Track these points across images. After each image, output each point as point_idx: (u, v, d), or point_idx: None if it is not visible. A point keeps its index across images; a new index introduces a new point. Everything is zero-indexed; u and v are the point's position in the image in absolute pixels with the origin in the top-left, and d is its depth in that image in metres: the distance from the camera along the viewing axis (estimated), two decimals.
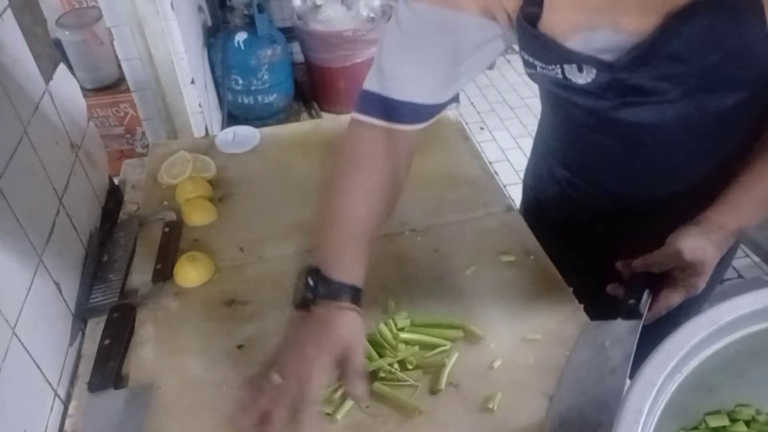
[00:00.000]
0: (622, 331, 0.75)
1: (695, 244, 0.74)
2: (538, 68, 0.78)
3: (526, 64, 0.80)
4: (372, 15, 2.91)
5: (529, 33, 0.74)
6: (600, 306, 0.84)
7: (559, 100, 0.87)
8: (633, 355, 0.71)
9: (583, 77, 0.74)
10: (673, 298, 0.76)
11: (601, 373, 0.72)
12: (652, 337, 0.59)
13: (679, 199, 0.83)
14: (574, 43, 0.72)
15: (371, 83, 0.78)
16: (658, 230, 0.77)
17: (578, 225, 1.00)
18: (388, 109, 0.77)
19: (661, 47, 0.68)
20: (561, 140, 0.98)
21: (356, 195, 0.77)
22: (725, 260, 0.97)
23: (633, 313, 0.75)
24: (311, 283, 0.72)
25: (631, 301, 0.76)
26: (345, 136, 0.81)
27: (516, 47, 0.80)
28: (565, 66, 0.74)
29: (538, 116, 1.04)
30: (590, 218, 0.98)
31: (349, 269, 0.73)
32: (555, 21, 0.72)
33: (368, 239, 0.76)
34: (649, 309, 0.76)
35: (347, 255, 0.74)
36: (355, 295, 0.73)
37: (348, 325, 0.70)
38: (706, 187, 0.79)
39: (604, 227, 0.95)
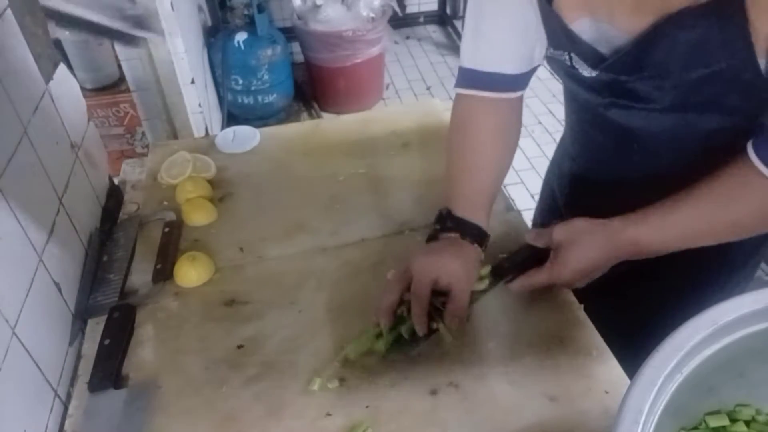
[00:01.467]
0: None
1: (577, 227, 0.78)
2: (550, 50, 0.81)
3: (550, 43, 0.82)
4: (372, 15, 2.91)
5: (545, 8, 0.76)
6: (600, 306, 0.84)
7: (566, 92, 0.91)
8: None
9: (589, 70, 0.76)
10: (534, 277, 0.81)
11: None
12: (652, 336, 0.59)
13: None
14: (577, 27, 0.73)
15: (463, 60, 0.86)
16: None
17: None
18: (485, 81, 0.85)
19: (648, 50, 0.68)
20: (569, 134, 1.00)
21: (478, 155, 0.88)
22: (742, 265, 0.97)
23: (497, 272, 0.85)
24: (441, 218, 0.85)
25: (506, 265, 0.85)
26: (455, 111, 0.91)
27: None
28: (573, 55, 0.77)
29: (539, 116, 1.06)
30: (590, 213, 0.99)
31: (474, 211, 0.85)
32: (565, 2, 0.74)
33: (491, 191, 0.88)
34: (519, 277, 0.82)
35: (473, 200, 0.86)
36: (480, 234, 0.84)
37: (462, 258, 0.80)
38: None
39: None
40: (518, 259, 0.86)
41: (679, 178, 0.74)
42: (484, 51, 0.84)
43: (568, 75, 0.83)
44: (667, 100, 0.73)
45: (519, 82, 0.86)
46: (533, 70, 0.87)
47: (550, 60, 0.83)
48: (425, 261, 0.80)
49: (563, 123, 1.05)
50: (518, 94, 0.88)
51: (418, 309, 0.77)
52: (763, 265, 2.16)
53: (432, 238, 0.86)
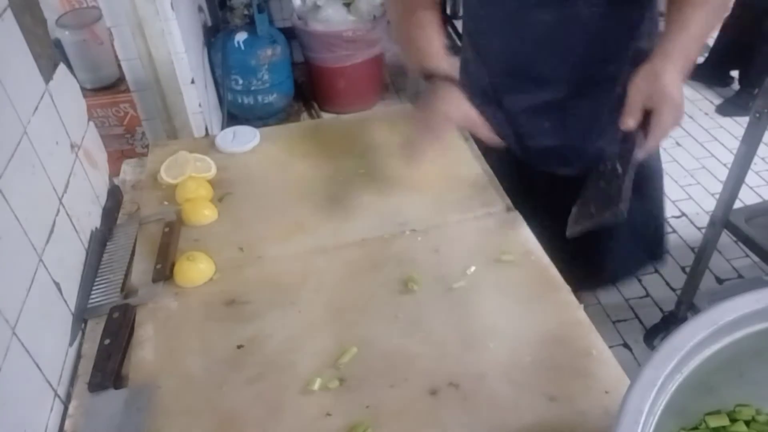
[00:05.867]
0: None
1: (646, 74, 0.88)
2: None
3: None
4: (372, 15, 2.91)
5: None
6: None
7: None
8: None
9: None
10: (663, 117, 0.86)
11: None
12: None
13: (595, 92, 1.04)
14: None
15: None
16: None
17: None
18: None
19: None
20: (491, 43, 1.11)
21: (424, 22, 1.07)
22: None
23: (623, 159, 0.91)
24: (427, 75, 1.00)
25: (625, 146, 0.91)
26: None
27: None
28: None
29: None
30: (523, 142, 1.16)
31: (445, 64, 1.01)
32: None
33: (443, 44, 1.05)
34: (649, 137, 0.88)
35: (442, 54, 1.03)
36: (454, 80, 1.00)
37: (455, 95, 0.98)
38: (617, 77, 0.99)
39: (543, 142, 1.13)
40: (627, 147, 0.91)
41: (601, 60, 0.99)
42: None
43: None
44: None
45: None
46: None
47: None
48: (444, 97, 0.96)
49: None
50: None
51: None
52: (763, 265, 2.17)
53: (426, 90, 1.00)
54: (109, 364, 0.81)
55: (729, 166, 1.54)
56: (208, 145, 1.25)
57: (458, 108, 0.97)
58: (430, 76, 1.00)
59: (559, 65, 1.03)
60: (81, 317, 0.90)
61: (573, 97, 1.05)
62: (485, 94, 1.12)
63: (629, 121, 0.88)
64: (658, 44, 0.91)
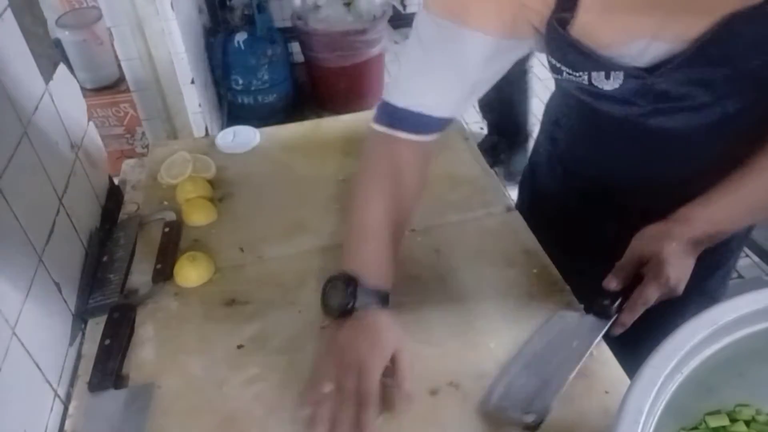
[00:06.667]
0: (588, 327, 0.78)
1: (650, 236, 0.75)
2: (564, 74, 0.77)
3: (553, 69, 0.79)
4: (372, 15, 2.91)
5: (562, 39, 0.72)
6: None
7: (582, 104, 0.86)
8: (589, 351, 0.75)
9: (610, 83, 0.73)
10: (646, 292, 0.74)
11: (554, 358, 0.76)
12: (652, 337, 0.58)
13: (688, 200, 0.81)
14: (608, 49, 0.70)
15: (386, 92, 0.83)
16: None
17: (576, 223, 1.00)
18: (395, 117, 0.81)
19: (702, 53, 0.66)
20: (570, 139, 0.97)
21: (378, 205, 0.82)
22: (724, 260, 0.97)
23: (603, 313, 0.77)
24: (349, 292, 0.76)
25: (605, 302, 0.77)
26: (364, 146, 0.87)
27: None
28: (593, 73, 0.74)
29: (538, 116, 1.04)
30: (594, 219, 0.98)
31: (383, 277, 0.80)
32: (589, 26, 0.70)
33: (395, 245, 0.82)
34: (625, 308, 0.76)
35: (379, 264, 0.80)
36: (386, 299, 0.80)
37: (394, 328, 0.76)
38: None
39: (611, 229, 0.94)
40: (612, 294, 0.78)
41: (710, 171, 0.74)
42: (419, 90, 0.80)
43: (586, 92, 0.80)
44: (711, 93, 0.71)
45: (443, 124, 0.83)
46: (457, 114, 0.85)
47: (560, 81, 0.80)
48: (368, 348, 0.72)
49: None
50: (436, 136, 0.84)
51: (368, 410, 0.68)
52: (763, 265, 2.17)
53: (345, 313, 0.76)
54: (109, 364, 0.81)
55: None
56: (208, 145, 1.25)
57: (384, 348, 0.72)
58: (366, 302, 0.76)
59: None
60: (81, 317, 0.90)
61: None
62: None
63: (612, 283, 0.77)
64: (692, 202, 0.75)
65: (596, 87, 0.75)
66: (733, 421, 0.63)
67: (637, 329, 0.78)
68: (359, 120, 1.34)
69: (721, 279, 1.01)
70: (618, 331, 0.77)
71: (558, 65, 0.77)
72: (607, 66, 0.72)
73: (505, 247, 0.97)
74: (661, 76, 0.70)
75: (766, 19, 0.62)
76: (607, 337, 0.82)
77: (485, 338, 0.83)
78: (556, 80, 0.82)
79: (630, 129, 0.81)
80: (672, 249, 0.73)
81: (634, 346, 0.69)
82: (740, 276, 2.18)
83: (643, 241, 0.76)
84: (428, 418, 0.74)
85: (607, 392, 0.75)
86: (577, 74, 0.75)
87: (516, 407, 0.71)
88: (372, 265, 0.80)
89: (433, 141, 0.84)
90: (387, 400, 0.72)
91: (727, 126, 0.76)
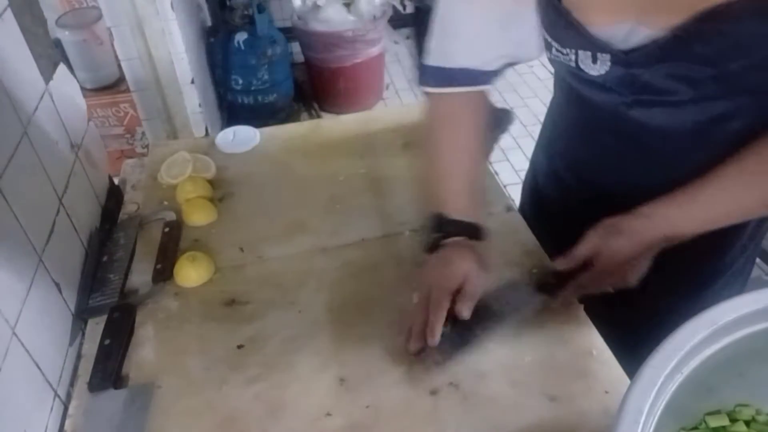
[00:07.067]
0: (526, 298, 0.85)
1: (605, 227, 0.77)
2: (553, 50, 0.79)
3: (546, 45, 0.81)
4: (372, 15, 2.91)
5: (551, 6, 0.74)
6: (601, 307, 0.84)
7: (572, 93, 0.87)
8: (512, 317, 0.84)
9: (597, 68, 0.74)
10: (583, 279, 0.78)
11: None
12: (652, 336, 0.58)
13: None
14: (594, 27, 0.71)
15: (427, 57, 0.86)
16: None
17: (577, 225, 0.99)
18: (444, 77, 0.86)
19: (682, 46, 0.66)
20: (566, 138, 0.98)
21: (451, 148, 0.88)
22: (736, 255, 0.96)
23: (545, 289, 0.84)
24: (433, 228, 0.84)
25: (552, 280, 0.83)
26: (431, 110, 0.91)
27: None
28: (580, 53, 0.75)
29: (540, 116, 1.04)
30: (589, 218, 0.97)
31: (470, 210, 0.85)
32: (578, 1, 0.72)
33: (478, 185, 0.88)
34: (565, 287, 0.81)
35: (467, 199, 0.86)
36: (480, 232, 0.85)
37: (467, 257, 0.81)
38: None
39: None
40: (558, 276, 0.82)
41: (697, 171, 0.74)
42: (457, 47, 0.84)
43: (574, 77, 0.81)
44: (693, 91, 0.71)
45: (492, 76, 0.87)
46: (508, 65, 0.88)
47: (552, 61, 0.82)
48: (441, 275, 0.80)
49: None
50: (489, 86, 0.89)
51: (436, 318, 0.77)
52: (763, 265, 2.17)
53: (434, 246, 0.84)
54: (109, 364, 0.81)
55: None
56: (208, 145, 1.25)
57: (453, 274, 0.79)
58: (440, 228, 0.84)
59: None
60: (81, 317, 0.90)
61: None
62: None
63: (561, 263, 0.80)
64: (656, 200, 0.75)
65: (583, 71, 0.76)
66: (733, 421, 0.62)
67: (637, 329, 0.78)
68: (359, 120, 1.35)
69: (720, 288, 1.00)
70: (557, 304, 0.83)
71: (549, 39, 0.79)
72: (593, 45, 0.72)
73: (505, 247, 0.97)
74: (640, 60, 0.70)
75: (750, 19, 0.61)
76: (607, 337, 0.82)
77: (485, 338, 0.83)
78: (550, 61, 0.83)
79: (613, 122, 0.81)
80: (621, 243, 0.75)
81: (634, 346, 0.69)
82: None
83: (598, 232, 0.77)
84: (428, 418, 0.74)
85: (607, 392, 0.75)
86: (565, 51, 0.77)
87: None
88: (454, 200, 0.85)
89: (487, 90, 0.89)
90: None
91: (713, 132, 0.75)
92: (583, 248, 0.78)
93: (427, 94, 0.89)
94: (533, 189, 1.12)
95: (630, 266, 0.76)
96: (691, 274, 0.92)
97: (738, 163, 0.72)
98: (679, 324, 0.55)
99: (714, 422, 0.62)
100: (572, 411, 0.74)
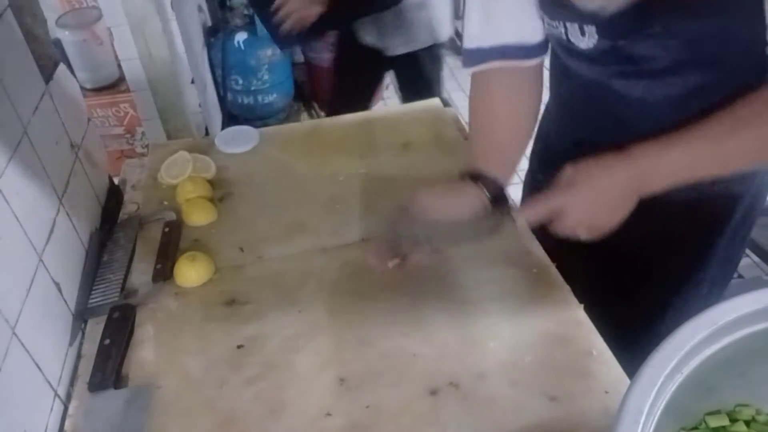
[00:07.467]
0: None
1: (576, 168, 0.76)
2: (545, 23, 0.81)
3: (540, 18, 0.83)
4: None
5: None
6: (601, 307, 0.84)
7: (562, 73, 0.90)
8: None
9: (585, 42, 0.77)
10: (549, 194, 0.77)
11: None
12: (652, 336, 0.59)
13: None
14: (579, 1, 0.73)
15: (467, 40, 0.88)
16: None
17: None
18: (488, 56, 0.87)
19: (651, 10, 0.68)
20: (558, 124, 1.00)
21: (501, 129, 0.91)
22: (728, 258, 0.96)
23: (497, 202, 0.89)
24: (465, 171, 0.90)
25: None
26: (473, 89, 0.93)
27: None
28: (568, 25, 0.77)
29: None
30: None
31: (493, 166, 0.89)
32: None
33: (511, 156, 0.93)
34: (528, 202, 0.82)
35: (495, 159, 0.91)
36: (494, 183, 0.88)
37: (463, 197, 0.87)
38: None
39: None
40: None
41: None
42: (496, 26, 0.85)
43: (565, 50, 0.84)
44: (669, 58, 0.72)
45: (535, 50, 0.87)
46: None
47: (549, 37, 0.85)
48: (428, 200, 0.87)
49: None
50: (536, 61, 0.88)
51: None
52: (763, 265, 2.17)
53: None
54: (109, 364, 0.81)
55: None
56: (208, 145, 1.25)
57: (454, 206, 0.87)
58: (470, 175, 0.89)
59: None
60: (81, 317, 0.90)
61: None
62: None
63: (526, 212, 0.80)
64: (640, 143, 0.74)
65: (572, 44, 0.78)
66: (733, 421, 0.62)
67: (637, 329, 0.78)
68: (359, 120, 1.35)
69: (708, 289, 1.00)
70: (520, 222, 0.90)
71: (540, 12, 0.81)
72: (578, 17, 0.74)
73: (505, 247, 0.97)
74: (621, 28, 0.72)
75: None
76: (608, 337, 0.82)
77: (485, 338, 0.83)
78: (547, 36, 0.86)
79: (599, 96, 0.84)
80: (597, 176, 0.74)
81: (634, 346, 0.69)
82: (740, 276, 2.18)
83: (577, 168, 0.76)
84: (428, 418, 0.74)
85: (607, 392, 0.75)
86: (554, 24, 0.79)
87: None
88: (484, 158, 0.90)
89: (538, 62, 0.89)
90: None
91: (690, 104, 0.75)
92: (551, 196, 0.77)
93: (472, 75, 0.91)
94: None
95: (605, 209, 0.75)
96: (691, 273, 0.92)
97: (723, 114, 0.71)
98: (676, 322, 0.55)
99: (714, 422, 0.62)
100: (572, 411, 0.74)
